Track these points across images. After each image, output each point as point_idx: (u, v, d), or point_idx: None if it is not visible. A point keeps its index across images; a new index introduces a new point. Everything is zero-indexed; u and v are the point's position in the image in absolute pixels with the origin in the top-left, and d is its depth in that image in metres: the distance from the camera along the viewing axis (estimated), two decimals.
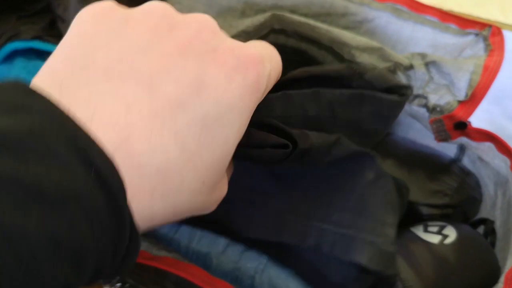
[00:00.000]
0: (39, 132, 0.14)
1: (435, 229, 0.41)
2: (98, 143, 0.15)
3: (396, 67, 0.45)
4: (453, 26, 0.48)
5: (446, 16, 0.48)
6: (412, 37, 0.49)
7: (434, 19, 0.49)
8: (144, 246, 0.38)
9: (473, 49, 0.47)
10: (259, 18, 0.46)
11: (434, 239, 0.39)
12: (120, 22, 0.19)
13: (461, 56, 0.48)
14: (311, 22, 0.45)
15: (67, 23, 0.55)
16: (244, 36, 0.46)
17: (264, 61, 0.22)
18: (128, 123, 0.16)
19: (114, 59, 0.18)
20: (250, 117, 0.21)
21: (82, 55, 0.19)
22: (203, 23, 0.20)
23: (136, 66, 0.18)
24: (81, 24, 0.20)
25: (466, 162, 0.48)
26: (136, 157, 0.16)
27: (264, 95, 0.22)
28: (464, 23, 0.48)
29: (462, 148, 0.48)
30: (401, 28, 0.49)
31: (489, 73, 0.42)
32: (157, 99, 0.17)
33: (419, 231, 0.41)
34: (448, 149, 0.49)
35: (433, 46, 0.49)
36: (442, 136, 0.44)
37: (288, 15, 0.46)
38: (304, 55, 0.50)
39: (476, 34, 0.47)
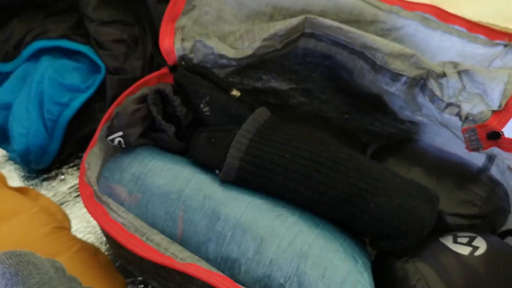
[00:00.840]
0: None
1: (465, 240, 0.41)
2: None
3: (428, 74, 0.45)
4: (481, 36, 0.48)
5: (474, 27, 0.48)
6: (440, 46, 0.49)
7: (462, 29, 0.48)
8: (171, 250, 0.39)
9: (503, 60, 0.46)
10: (292, 21, 0.46)
11: (464, 250, 0.39)
12: None
13: (491, 66, 0.47)
14: (344, 26, 0.45)
15: (95, 22, 0.55)
16: (275, 39, 0.46)
17: None
18: None
19: None
20: None
21: None
22: None
23: None
24: None
25: (494, 171, 0.47)
26: None
27: None
28: (493, 33, 0.47)
29: (490, 158, 0.48)
30: (429, 37, 0.49)
31: None
32: None
33: (448, 241, 0.41)
34: (476, 158, 0.48)
35: (462, 56, 0.48)
36: (474, 145, 0.43)
37: (321, 18, 0.46)
38: (333, 60, 0.49)
39: (505, 45, 0.46)
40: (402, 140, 0.53)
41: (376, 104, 0.51)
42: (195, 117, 0.47)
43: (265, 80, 0.53)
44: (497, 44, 0.47)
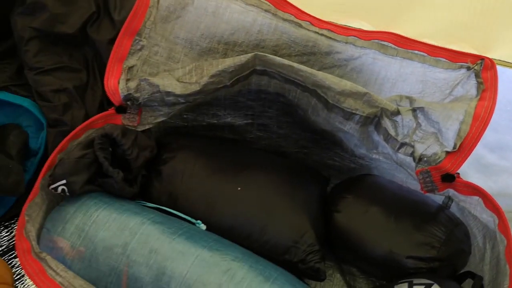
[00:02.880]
0: None
1: None
2: None
3: (382, 112, 0.43)
4: (443, 59, 0.46)
5: (435, 50, 0.46)
6: (400, 73, 0.47)
7: (423, 54, 0.47)
8: None
9: (464, 86, 0.45)
10: (241, 58, 0.44)
11: None
12: None
13: (452, 94, 0.45)
14: (295, 64, 0.43)
15: (33, 71, 0.52)
16: (224, 75, 0.44)
17: None
18: None
19: None
20: None
21: None
22: None
23: None
24: None
25: (455, 209, 0.46)
26: None
27: None
28: (455, 56, 0.45)
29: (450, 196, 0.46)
30: (389, 64, 0.47)
31: (480, 123, 0.40)
32: None
33: None
34: (436, 196, 0.47)
35: (423, 82, 0.46)
36: (429, 187, 0.42)
37: (271, 56, 0.44)
38: (287, 97, 0.48)
39: (468, 68, 0.45)
40: (362, 175, 0.51)
41: (333, 140, 0.50)
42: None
43: (221, 116, 0.51)
44: (460, 67, 0.45)
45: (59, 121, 0.51)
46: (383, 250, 0.43)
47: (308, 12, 0.48)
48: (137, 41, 0.46)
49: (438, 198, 0.47)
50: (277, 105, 0.50)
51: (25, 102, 0.51)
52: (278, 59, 0.44)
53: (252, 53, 0.44)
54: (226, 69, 0.44)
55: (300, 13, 0.48)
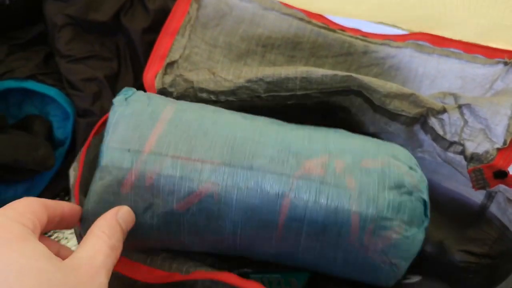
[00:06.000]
0: None
1: None
2: None
3: (428, 112, 0.44)
4: (480, 56, 0.48)
5: (471, 47, 0.48)
6: (439, 70, 0.48)
7: (459, 51, 0.48)
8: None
9: (504, 80, 0.46)
10: (288, 71, 0.44)
11: None
12: None
13: (493, 88, 0.46)
14: (340, 73, 0.44)
15: (65, 59, 0.50)
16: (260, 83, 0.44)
17: None
18: None
19: None
20: None
21: None
22: None
23: None
24: None
25: (494, 209, 0.46)
26: None
27: None
28: (491, 52, 0.47)
29: (490, 196, 0.46)
30: (426, 61, 0.48)
31: None
32: None
33: None
34: (475, 195, 0.47)
35: (462, 78, 0.48)
36: (481, 184, 0.42)
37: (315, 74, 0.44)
38: (328, 103, 0.47)
39: (505, 63, 0.46)
40: None
41: None
42: None
43: None
44: (497, 63, 0.46)
45: (88, 111, 0.49)
46: (434, 241, 0.43)
47: None
48: (178, 40, 0.45)
49: (476, 199, 0.47)
50: (314, 114, 0.49)
51: (51, 91, 0.50)
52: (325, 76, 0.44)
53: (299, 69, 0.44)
54: (264, 78, 0.44)
55: (332, 24, 0.50)
